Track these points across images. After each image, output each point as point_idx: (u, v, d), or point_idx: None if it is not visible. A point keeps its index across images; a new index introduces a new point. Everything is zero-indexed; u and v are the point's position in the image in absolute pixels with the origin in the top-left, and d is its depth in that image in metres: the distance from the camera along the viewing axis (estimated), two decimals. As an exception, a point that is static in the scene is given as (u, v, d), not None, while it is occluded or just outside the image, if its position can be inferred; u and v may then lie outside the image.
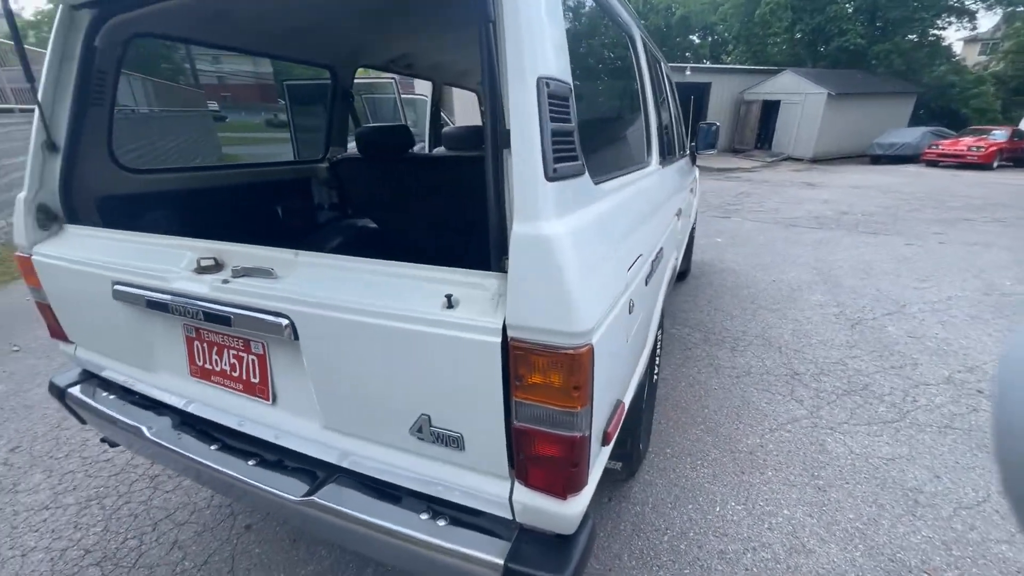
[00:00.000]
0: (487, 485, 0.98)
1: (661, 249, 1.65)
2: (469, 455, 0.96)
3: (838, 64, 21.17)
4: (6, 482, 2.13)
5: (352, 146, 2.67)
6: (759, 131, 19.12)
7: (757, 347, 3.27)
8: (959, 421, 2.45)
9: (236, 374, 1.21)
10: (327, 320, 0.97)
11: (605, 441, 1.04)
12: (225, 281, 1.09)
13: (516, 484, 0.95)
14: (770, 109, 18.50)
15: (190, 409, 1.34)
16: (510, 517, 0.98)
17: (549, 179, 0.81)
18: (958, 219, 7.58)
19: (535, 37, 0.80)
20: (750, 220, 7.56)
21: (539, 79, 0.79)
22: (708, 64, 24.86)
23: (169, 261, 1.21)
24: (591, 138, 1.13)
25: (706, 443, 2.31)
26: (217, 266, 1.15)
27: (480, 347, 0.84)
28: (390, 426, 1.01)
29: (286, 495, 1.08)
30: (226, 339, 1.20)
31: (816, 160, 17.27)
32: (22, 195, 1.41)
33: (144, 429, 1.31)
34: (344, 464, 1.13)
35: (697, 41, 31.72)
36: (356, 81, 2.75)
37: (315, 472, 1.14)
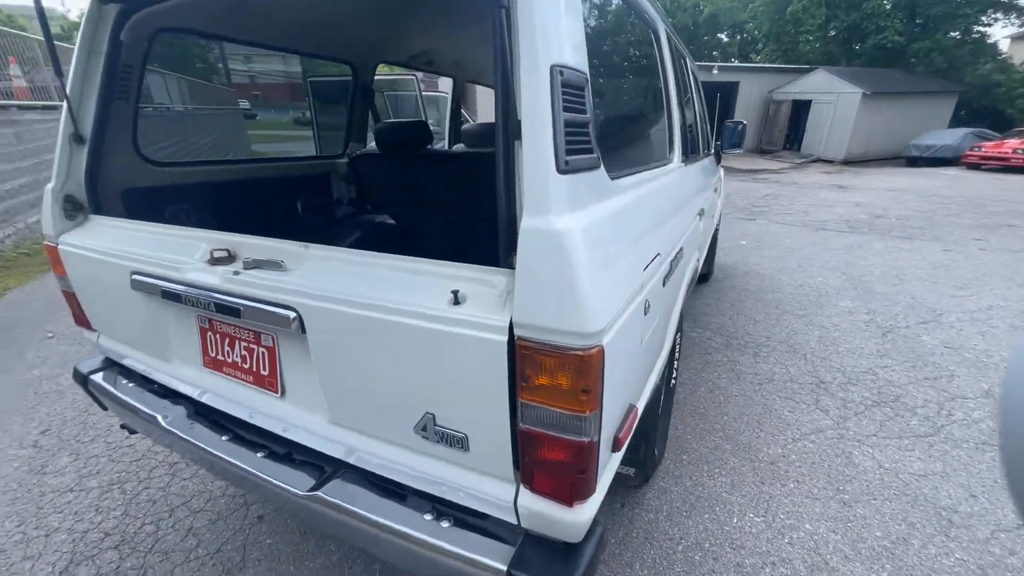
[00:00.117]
0: (492, 488, 0.95)
1: (681, 249, 1.59)
2: (474, 456, 0.93)
3: (874, 63, 20.38)
4: (35, 463, 2.20)
5: (373, 144, 2.68)
6: (788, 131, 18.58)
7: (781, 353, 3.16)
8: (999, 438, 2.31)
9: (247, 366, 1.22)
10: (333, 314, 0.96)
11: (615, 447, 1.00)
12: (236, 273, 1.09)
13: (521, 488, 0.92)
14: (800, 109, 17.94)
15: (203, 399, 1.35)
16: (515, 522, 0.95)
17: (561, 171, 0.77)
18: (1000, 225, 7.20)
19: (549, 23, 0.77)
20: (777, 223, 7.34)
21: (553, 67, 0.76)
22: (736, 63, 24.28)
23: (185, 252, 1.22)
24: (609, 132, 1.09)
25: (725, 451, 2.23)
26: (230, 258, 1.15)
27: (485, 345, 0.81)
28: (395, 423, 1.00)
29: (292, 489, 1.08)
30: (237, 331, 1.20)
31: (848, 162, 16.68)
32: (50, 186, 1.45)
33: (160, 418, 1.33)
34: (351, 460, 1.13)
35: (725, 40, 31.03)
36: (378, 79, 2.76)
37: (322, 467, 1.14)
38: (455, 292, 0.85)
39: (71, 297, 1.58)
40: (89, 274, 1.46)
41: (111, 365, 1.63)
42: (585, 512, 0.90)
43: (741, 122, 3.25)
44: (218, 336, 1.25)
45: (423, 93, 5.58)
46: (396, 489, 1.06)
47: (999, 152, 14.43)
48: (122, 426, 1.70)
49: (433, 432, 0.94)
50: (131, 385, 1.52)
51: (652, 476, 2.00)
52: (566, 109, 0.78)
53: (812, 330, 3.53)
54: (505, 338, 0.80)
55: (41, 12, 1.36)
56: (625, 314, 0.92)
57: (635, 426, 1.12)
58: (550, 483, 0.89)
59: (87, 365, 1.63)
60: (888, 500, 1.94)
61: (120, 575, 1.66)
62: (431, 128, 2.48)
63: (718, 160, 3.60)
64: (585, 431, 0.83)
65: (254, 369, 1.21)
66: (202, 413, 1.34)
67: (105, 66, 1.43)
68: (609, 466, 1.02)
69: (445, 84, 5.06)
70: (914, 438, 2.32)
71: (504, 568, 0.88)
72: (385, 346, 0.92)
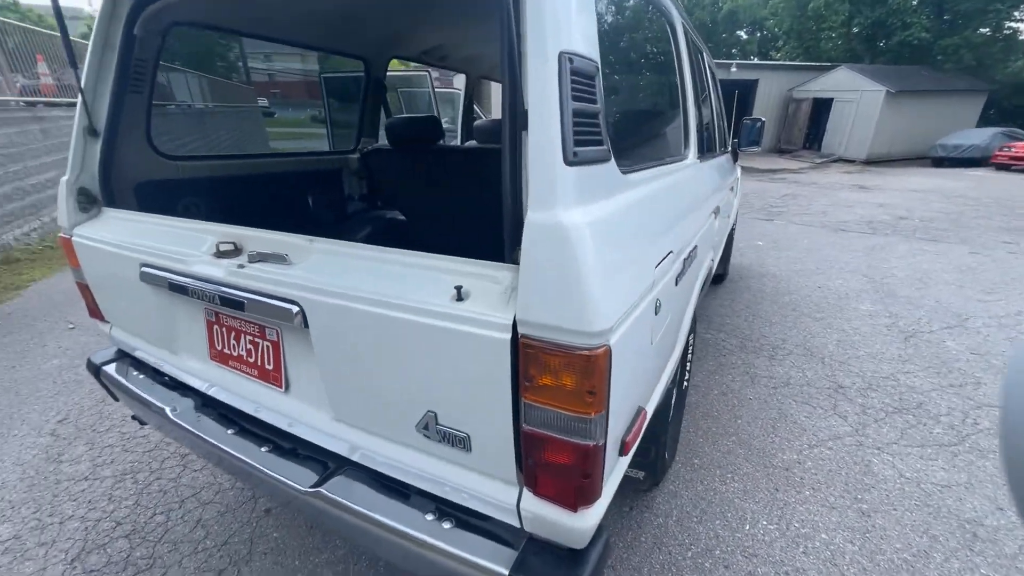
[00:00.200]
0: (494, 490, 0.93)
1: (695, 248, 1.55)
2: (476, 457, 0.91)
3: (899, 60, 19.85)
4: (52, 451, 2.25)
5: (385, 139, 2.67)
6: (808, 131, 18.21)
7: (797, 357, 3.08)
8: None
9: (252, 360, 1.21)
10: (335, 308, 0.94)
11: (623, 451, 0.97)
12: (241, 266, 1.08)
13: (525, 491, 0.90)
14: (821, 107, 17.56)
15: (211, 393, 1.35)
16: (518, 525, 0.92)
17: (568, 163, 0.74)
18: (1032, 227, 6.94)
19: (559, 8, 0.74)
20: (795, 223, 7.19)
21: (561, 54, 0.73)
22: (755, 61, 23.85)
23: (192, 245, 1.22)
24: (621, 125, 1.05)
25: (738, 456, 2.18)
26: (236, 251, 1.15)
27: (488, 343, 0.79)
28: (397, 421, 0.98)
29: (294, 485, 1.07)
30: (243, 324, 1.20)
31: (870, 162, 16.27)
32: (64, 178, 1.47)
33: (168, 410, 1.34)
34: (354, 457, 1.11)
35: (744, 37, 30.52)
36: (392, 75, 2.76)
37: (326, 463, 1.13)
38: (458, 288, 0.83)
39: (85, 289, 1.60)
40: (101, 266, 1.47)
41: (123, 357, 1.65)
42: (590, 518, 0.87)
43: (760, 119, 3.17)
44: (224, 329, 1.25)
45: (439, 90, 5.57)
46: (399, 488, 1.04)
47: (1030, 152, 13.93)
48: (133, 417, 1.72)
49: (435, 431, 0.92)
50: (142, 377, 1.53)
51: (662, 480, 1.96)
52: (575, 98, 0.75)
53: (830, 333, 3.43)
54: (508, 336, 0.77)
55: (56, 6, 1.37)
56: (634, 313, 0.88)
57: (644, 429, 1.09)
58: (554, 487, 0.86)
59: (100, 356, 1.65)
60: (909, 511, 1.87)
61: (130, 564, 1.67)
62: (445, 127, 2.46)
63: (735, 159, 3.52)
64: (590, 434, 0.80)
65: (259, 363, 1.20)
66: (210, 406, 1.34)
67: (119, 60, 1.44)
68: (616, 470, 0.99)
69: (461, 82, 5.05)
70: (937, 447, 2.23)
71: (506, 572, 0.86)
72: (387, 342, 0.90)
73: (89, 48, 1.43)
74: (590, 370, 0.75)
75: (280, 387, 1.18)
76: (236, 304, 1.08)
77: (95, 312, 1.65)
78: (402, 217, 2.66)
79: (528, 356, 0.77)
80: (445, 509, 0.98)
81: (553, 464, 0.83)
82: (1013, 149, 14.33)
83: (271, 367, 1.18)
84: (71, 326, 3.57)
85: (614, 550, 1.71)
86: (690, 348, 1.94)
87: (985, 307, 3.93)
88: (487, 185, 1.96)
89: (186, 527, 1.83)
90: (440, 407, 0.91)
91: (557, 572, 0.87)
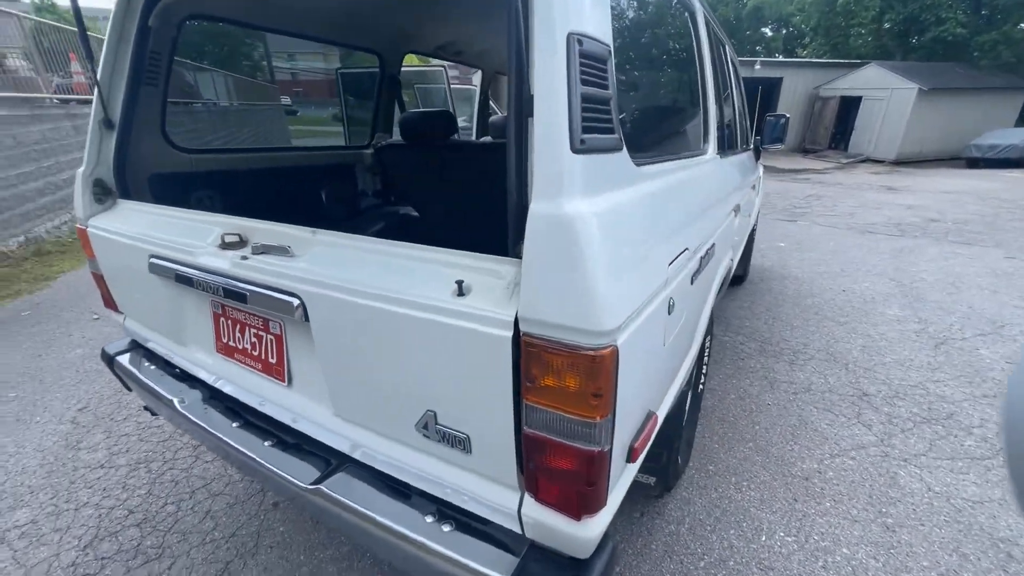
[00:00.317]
0: (494, 494, 0.89)
1: (713, 246, 1.48)
2: (476, 459, 0.88)
3: (932, 57, 19.12)
4: (72, 439, 2.30)
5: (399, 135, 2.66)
6: (834, 130, 17.65)
7: (819, 362, 2.97)
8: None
9: (256, 353, 1.20)
10: (334, 301, 0.92)
11: (631, 458, 0.92)
12: (244, 258, 1.07)
13: (526, 497, 0.86)
14: (849, 106, 17.01)
15: (218, 385, 1.35)
16: (519, 531, 0.89)
17: (576, 151, 0.70)
18: (1074, 231, 6.59)
19: None
20: (819, 224, 6.97)
21: (570, 35, 0.69)
22: (780, 58, 23.28)
23: (199, 236, 1.22)
24: (636, 115, 1.01)
25: (755, 463, 2.10)
26: (241, 242, 1.14)
27: (489, 341, 0.75)
28: (396, 420, 0.95)
29: (296, 481, 1.06)
30: (248, 317, 1.19)
31: (900, 162, 15.70)
32: (80, 170, 1.49)
33: (176, 401, 1.34)
34: (356, 455, 1.09)
35: (769, 34, 29.84)
36: (408, 71, 2.74)
37: (329, 460, 1.11)
38: (459, 283, 0.79)
39: (100, 279, 1.62)
40: (114, 257, 1.48)
41: (137, 347, 1.67)
42: (594, 527, 0.83)
43: (784, 115, 3.06)
44: (230, 322, 1.24)
45: (457, 87, 5.53)
46: (400, 488, 1.02)
47: (1073, 153, 13.26)
48: (145, 408, 1.73)
49: (434, 431, 0.89)
50: (153, 368, 1.54)
51: (674, 486, 1.90)
52: (584, 82, 0.70)
53: (855, 338, 3.30)
54: (509, 334, 0.74)
55: (77, 10, 1.39)
56: (645, 312, 0.84)
57: (655, 434, 1.04)
58: (556, 493, 0.82)
59: (114, 346, 1.68)
60: (938, 527, 1.77)
61: (140, 553, 1.69)
62: (462, 126, 2.44)
63: (757, 156, 3.41)
64: (595, 439, 0.76)
65: (263, 357, 1.19)
66: (217, 399, 1.34)
67: (133, 52, 1.45)
68: (623, 478, 0.95)
69: (479, 79, 5.01)
70: (969, 460, 2.12)
71: None
72: (386, 337, 0.87)
73: (105, 40, 1.44)
74: (595, 371, 0.71)
75: (283, 381, 1.17)
76: (239, 296, 1.07)
77: (109, 303, 1.67)
78: (415, 213, 2.64)
79: (530, 355, 0.73)
80: (446, 511, 0.95)
81: (555, 470, 0.79)
82: (1054, 149, 13.67)
83: (274, 361, 1.17)
84: (95, 316, 3.66)
85: (622, 557, 1.66)
86: (706, 350, 1.88)
87: (1022, 314, 3.73)
88: (500, 181, 1.94)
89: (196, 518, 1.84)
90: (439, 406, 0.87)
91: None
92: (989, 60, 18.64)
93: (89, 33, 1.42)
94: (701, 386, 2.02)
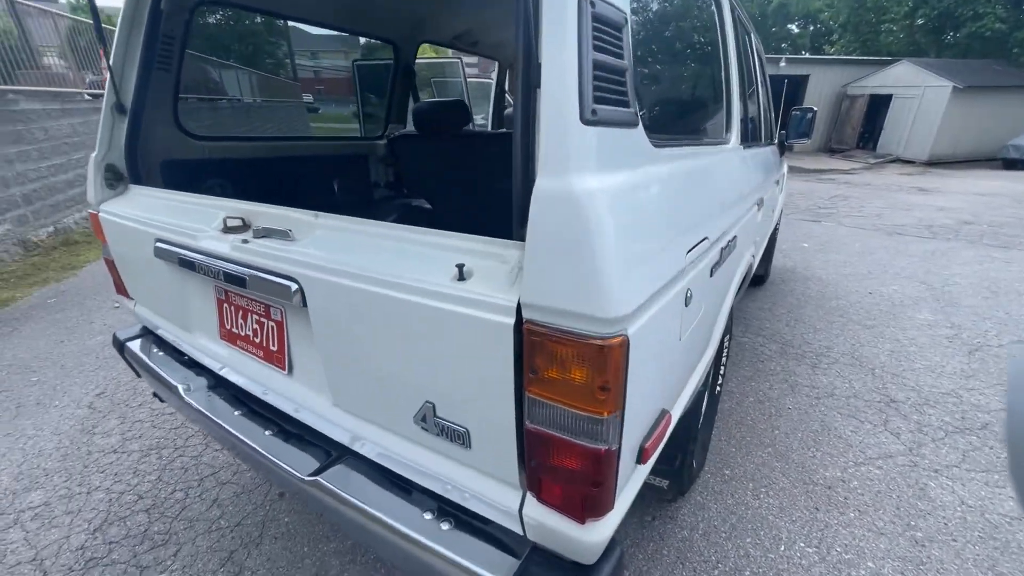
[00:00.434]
0: (495, 492, 0.84)
1: (734, 238, 1.41)
2: (475, 454, 0.83)
3: (968, 54, 18.33)
4: (88, 424, 2.34)
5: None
6: (862, 129, 17.09)
7: (844, 366, 2.85)
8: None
9: (257, 340, 1.18)
10: (332, 286, 0.88)
11: (642, 459, 0.86)
12: (245, 241, 1.04)
13: (528, 496, 0.81)
14: (878, 104, 16.44)
15: (222, 373, 1.33)
16: (521, 532, 0.84)
17: (586, 122, 0.64)
18: (1122, 236, 6.23)
19: None
20: (845, 225, 6.73)
21: None
22: (806, 55, 22.63)
23: (203, 220, 1.20)
24: (656, 95, 0.94)
25: (773, 469, 2.01)
26: (244, 226, 1.11)
27: (490, 328, 0.70)
28: (394, 411, 0.91)
29: (294, 472, 1.03)
30: (249, 303, 1.17)
31: (932, 163, 15.12)
32: (93, 155, 1.49)
33: (181, 388, 1.33)
34: (355, 447, 1.06)
35: (796, 31, 29.08)
36: (424, 63, 2.71)
37: (329, 452, 1.08)
38: (460, 266, 0.74)
39: (111, 265, 1.62)
40: (123, 242, 1.48)
41: (147, 334, 1.67)
42: (600, 531, 0.77)
43: (811, 108, 2.94)
44: (232, 308, 1.22)
45: (476, 80, 5.47)
46: (400, 483, 0.98)
47: (1121, 154, 12.58)
48: (154, 394, 1.74)
49: (433, 424, 0.85)
50: (161, 354, 1.54)
51: (688, 490, 1.82)
52: (596, 48, 0.65)
53: (882, 343, 3.16)
54: (512, 320, 0.69)
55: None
56: (660, 301, 0.78)
57: (668, 434, 0.98)
58: (559, 494, 0.77)
59: (125, 333, 1.68)
60: (971, 543, 1.66)
61: (147, 538, 1.70)
62: (479, 123, 2.39)
63: (781, 152, 3.29)
64: (602, 437, 0.70)
65: (264, 344, 1.17)
66: (221, 387, 1.33)
67: (146, 36, 1.44)
68: (633, 480, 0.89)
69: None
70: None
71: None
72: (382, 323, 0.83)
73: (118, 24, 1.44)
74: (603, 363, 0.65)
75: (283, 369, 1.14)
76: (239, 281, 1.04)
77: (120, 288, 1.67)
78: (428, 205, 2.61)
79: (533, 344, 0.68)
80: (446, 509, 0.91)
81: (559, 468, 0.74)
82: (1100, 151, 13.00)
83: (275, 348, 1.14)
84: (116, 305, 3.74)
85: (632, 562, 1.60)
86: (725, 349, 1.80)
87: (1065, 321, 3.53)
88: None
89: (203, 505, 1.84)
90: (438, 398, 0.83)
91: None
92: (1030, 57, 17.80)
93: (108, 27, 1.41)
94: (719, 387, 1.94)
